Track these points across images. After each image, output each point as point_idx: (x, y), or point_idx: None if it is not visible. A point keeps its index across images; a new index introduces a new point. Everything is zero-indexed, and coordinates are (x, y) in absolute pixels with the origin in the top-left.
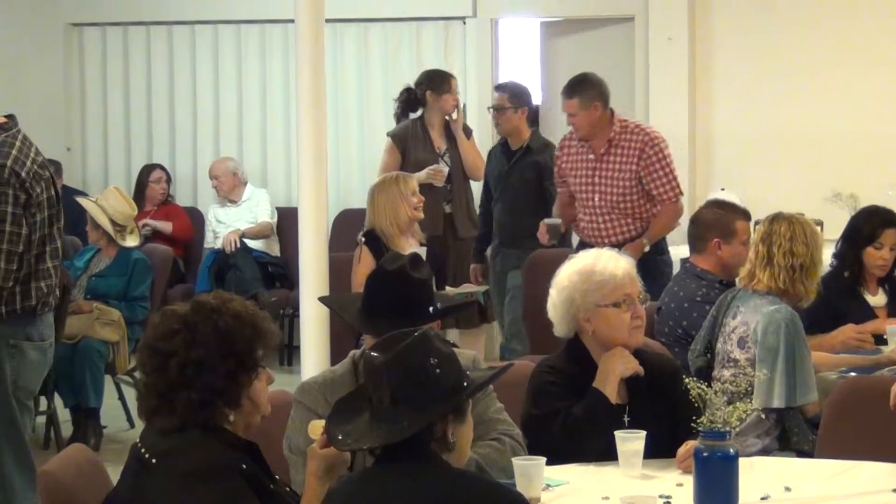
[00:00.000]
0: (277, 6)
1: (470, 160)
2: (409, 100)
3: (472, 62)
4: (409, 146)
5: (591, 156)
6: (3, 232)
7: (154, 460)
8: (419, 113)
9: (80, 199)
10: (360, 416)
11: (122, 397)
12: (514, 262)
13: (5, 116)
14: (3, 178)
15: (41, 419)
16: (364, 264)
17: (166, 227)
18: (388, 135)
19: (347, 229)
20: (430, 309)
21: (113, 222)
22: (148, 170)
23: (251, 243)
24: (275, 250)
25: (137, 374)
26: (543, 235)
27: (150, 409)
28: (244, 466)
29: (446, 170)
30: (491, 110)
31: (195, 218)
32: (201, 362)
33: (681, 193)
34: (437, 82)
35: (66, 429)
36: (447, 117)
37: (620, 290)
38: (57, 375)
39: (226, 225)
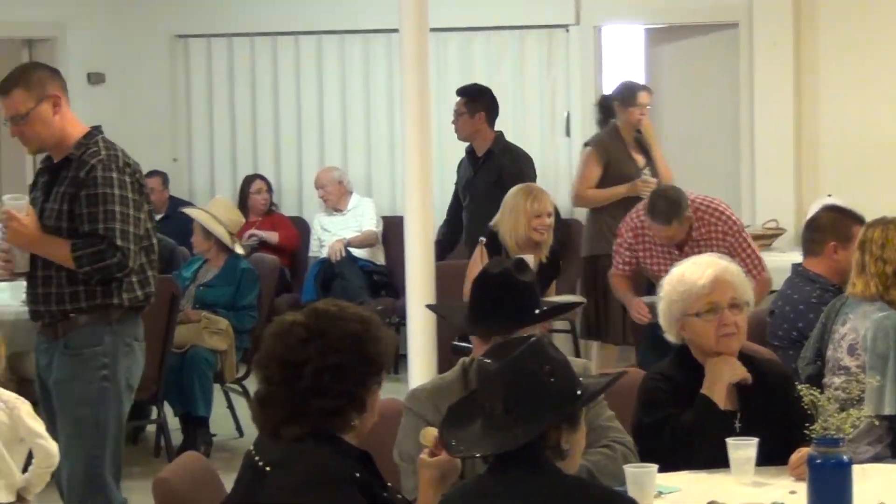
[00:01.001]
0: (381, 16)
1: (664, 172)
2: (604, 107)
3: (576, 70)
4: (612, 158)
5: (676, 252)
6: (128, 216)
7: (268, 468)
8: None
9: (189, 210)
10: (473, 423)
11: (230, 406)
12: None
13: (91, 128)
14: (119, 166)
15: (151, 428)
16: (481, 265)
17: (272, 237)
18: (586, 144)
19: None
20: (536, 311)
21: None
22: (249, 180)
23: (356, 252)
24: (380, 259)
25: (249, 384)
26: (645, 315)
27: (280, 419)
28: (358, 475)
29: (655, 181)
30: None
31: (300, 227)
32: (338, 368)
33: (765, 266)
34: (625, 94)
35: (176, 437)
36: (635, 131)
37: (703, 298)
38: (166, 384)
39: (331, 233)
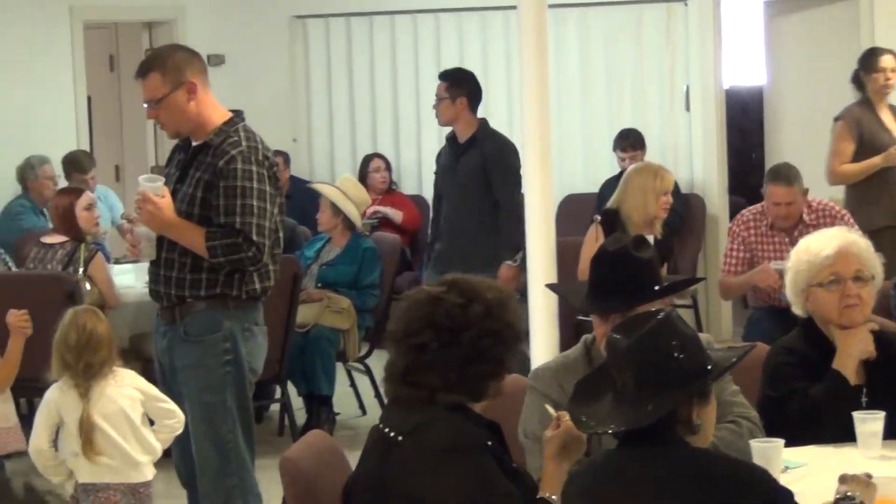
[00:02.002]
0: None
1: None
2: (856, 79)
3: (695, 44)
4: (864, 130)
5: (787, 239)
6: (264, 210)
7: (401, 438)
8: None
9: (320, 186)
10: (603, 398)
11: (353, 384)
12: (462, 264)
13: (233, 114)
14: (259, 159)
15: (275, 407)
16: (598, 243)
17: (397, 215)
18: (836, 119)
19: (572, 215)
20: (656, 287)
21: None
22: (367, 159)
23: None
24: None
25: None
26: (775, 281)
27: (437, 386)
28: (489, 444)
29: None
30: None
31: (420, 206)
32: (496, 333)
33: None
34: (866, 60)
35: (300, 417)
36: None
37: (827, 269)
38: (290, 364)
39: None
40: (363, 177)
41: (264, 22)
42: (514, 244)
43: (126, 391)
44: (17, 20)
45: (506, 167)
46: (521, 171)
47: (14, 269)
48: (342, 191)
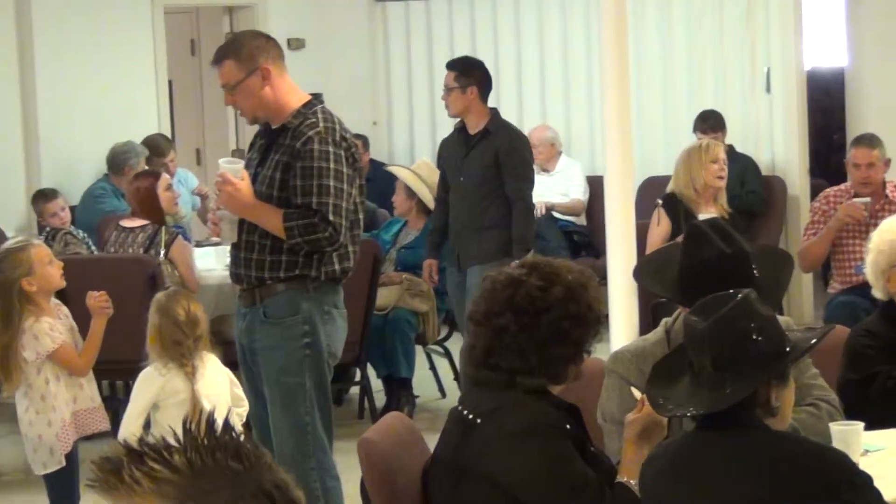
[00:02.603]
0: None
1: None
2: None
3: (776, 25)
4: None
5: (867, 216)
6: (341, 190)
7: (479, 420)
8: None
9: (394, 168)
10: (680, 380)
11: (433, 367)
12: (473, 257)
13: (311, 95)
14: (336, 140)
15: (355, 389)
16: (661, 227)
17: None
18: None
19: (652, 197)
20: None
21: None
22: None
23: (558, 213)
24: (580, 219)
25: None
26: (860, 212)
27: (516, 368)
28: (568, 427)
29: None
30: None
31: None
32: (577, 316)
33: None
34: None
35: (379, 399)
36: None
37: None
38: (369, 346)
39: (537, 194)
40: None
41: (344, 5)
42: (526, 241)
43: (220, 373)
44: (100, 5)
45: (521, 160)
46: (601, 153)
47: (95, 252)
48: (416, 174)
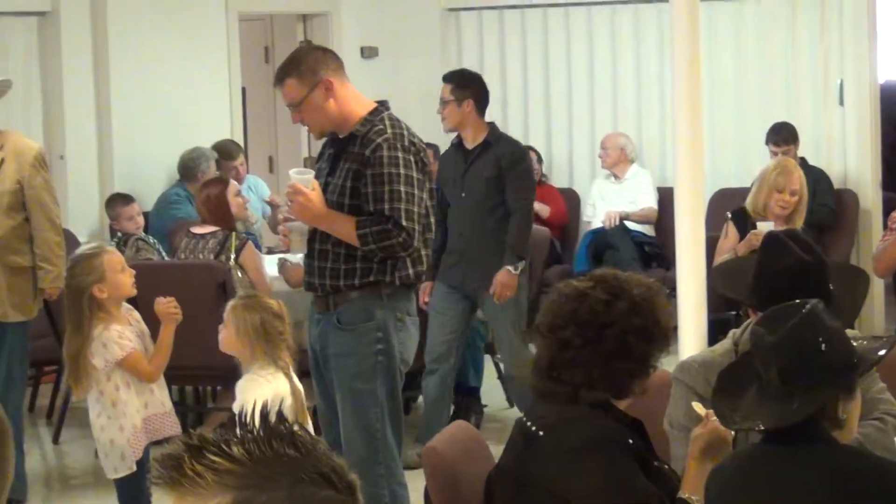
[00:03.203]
0: None
1: None
2: None
3: (849, 36)
4: None
5: None
6: (413, 195)
7: (542, 433)
8: None
9: None
10: (747, 391)
11: (501, 377)
12: (478, 280)
13: (377, 102)
14: (405, 145)
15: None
16: (728, 240)
17: (543, 210)
18: None
19: (723, 209)
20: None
21: None
22: None
23: (630, 223)
24: (651, 230)
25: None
26: None
27: (581, 382)
28: (631, 442)
29: None
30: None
31: (570, 199)
32: (642, 330)
33: None
34: None
35: None
36: None
37: None
38: None
39: (605, 202)
40: None
41: (417, 15)
42: (519, 251)
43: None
44: (175, 12)
45: (523, 172)
46: (671, 163)
47: (166, 258)
48: None
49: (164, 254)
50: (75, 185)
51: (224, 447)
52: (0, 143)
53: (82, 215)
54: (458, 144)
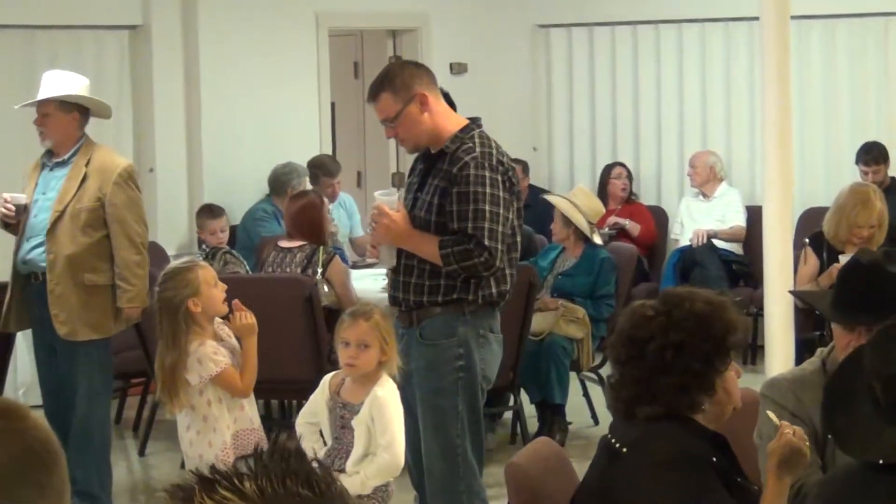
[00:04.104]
0: (742, 4)
1: None
2: None
3: None
4: None
5: None
6: (498, 215)
7: (625, 449)
8: None
9: (551, 197)
10: (859, 409)
11: (586, 394)
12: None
13: (469, 119)
14: (492, 164)
15: (507, 414)
16: (808, 266)
17: (634, 228)
18: None
19: (812, 228)
20: None
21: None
22: (609, 167)
23: (718, 242)
24: (739, 248)
25: (605, 372)
26: None
27: (629, 398)
28: (714, 459)
29: None
30: None
31: (659, 216)
32: (680, 345)
33: None
34: None
35: (532, 424)
36: None
37: None
38: (523, 371)
39: (693, 219)
40: (604, 184)
41: (507, 31)
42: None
43: None
44: (265, 27)
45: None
46: (760, 182)
47: (251, 272)
48: (573, 202)
49: (247, 267)
50: (164, 198)
51: (237, 482)
52: (87, 158)
53: (171, 228)
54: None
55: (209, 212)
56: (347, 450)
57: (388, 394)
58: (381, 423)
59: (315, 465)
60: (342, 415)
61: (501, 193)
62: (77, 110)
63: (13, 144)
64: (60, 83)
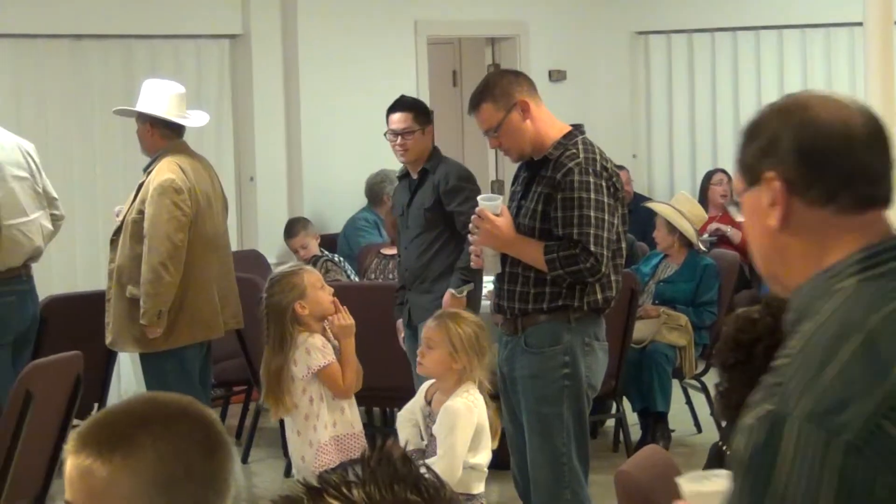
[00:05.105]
0: (844, 9)
1: None
2: None
3: None
4: None
5: None
6: (603, 221)
7: None
8: None
9: (654, 204)
10: None
11: (689, 402)
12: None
13: (572, 126)
14: (597, 170)
15: (610, 422)
16: None
17: (736, 235)
18: None
19: None
20: None
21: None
22: (710, 174)
23: None
24: None
25: (708, 380)
26: None
27: (738, 404)
28: None
29: None
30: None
31: None
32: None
33: None
34: None
35: (635, 433)
36: None
37: None
38: (625, 379)
39: None
40: (704, 191)
41: (606, 38)
42: (471, 273)
43: None
44: (363, 35)
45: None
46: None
47: (354, 278)
48: (676, 208)
49: (352, 275)
50: (265, 207)
51: (345, 490)
52: (152, 169)
53: (271, 237)
54: (405, 175)
55: (293, 225)
56: (431, 456)
57: (460, 405)
58: (442, 432)
59: (424, 469)
60: (427, 423)
61: (606, 199)
62: (150, 122)
63: (116, 153)
64: (142, 93)
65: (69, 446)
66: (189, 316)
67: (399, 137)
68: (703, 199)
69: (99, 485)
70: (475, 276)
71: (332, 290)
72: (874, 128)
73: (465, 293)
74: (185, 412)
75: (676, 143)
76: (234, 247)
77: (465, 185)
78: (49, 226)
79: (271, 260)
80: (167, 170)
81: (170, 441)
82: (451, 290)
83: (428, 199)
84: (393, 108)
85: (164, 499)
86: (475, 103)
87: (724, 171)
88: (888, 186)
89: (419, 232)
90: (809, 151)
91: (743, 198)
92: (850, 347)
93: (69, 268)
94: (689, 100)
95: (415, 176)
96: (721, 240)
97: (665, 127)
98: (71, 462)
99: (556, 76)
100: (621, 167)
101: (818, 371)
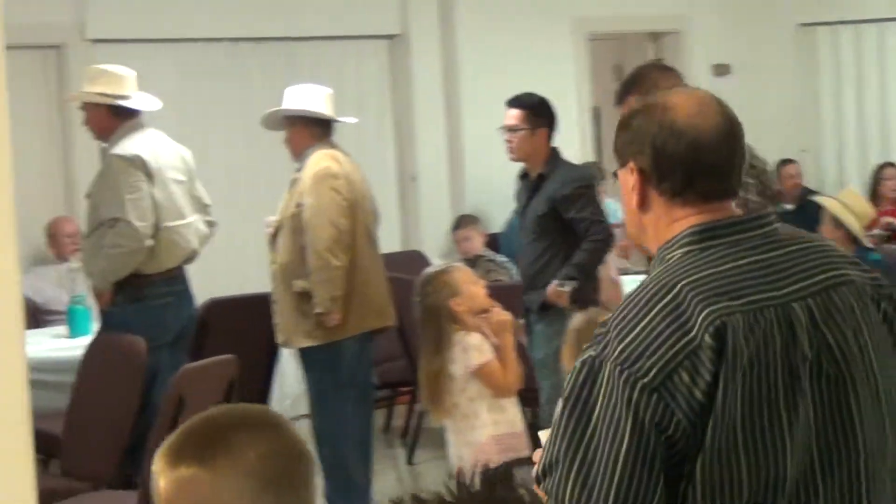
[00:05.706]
0: None
1: None
2: None
3: None
4: None
5: None
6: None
7: None
8: None
9: (821, 199)
10: None
11: None
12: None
13: None
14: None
15: None
16: None
17: None
18: None
19: None
20: None
21: None
22: (880, 168)
23: None
24: None
25: None
26: None
27: None
28: None
29: None
30: None
31: None
32: None
33: None
34: None
35: None
36: None
37: None
38: None
39: None
40: (876, 185)
41: (770, 30)
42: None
43: None
44: (523, 32)
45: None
46: None
47: (517, 278)
48: (843, 203)
49: (515, 275)
50: (427, 206)
51: None
52: (303, 166)
53: (434, 235)
54: (523, 175)
55: (461, 220)
56: None
57: None
58: None
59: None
60: None
61: (751, 198)
62: (300, 122)
63: (277, 156)
64: (288, 98)
65: (158, 466)
66: (359, 303)
67: (507, 133)
68: (875, 192)
69: (205, 491)
70: (583, 275)
71: (484, 283)
72: (725, 129)
73: (566, 287)
74: (267, 418)
75: (845, 136)
76: (397, 247)
77: (583, 191)
78: (205, 229)
79: (434, 259)
80: (321, 160)
81: (265, 441)
82: (555, 282)
83: (542, 207)
84: (509, 103)
85: (271, 497)
86: (622, 95)
87: (895, 165)
88: (733, 181)
89: (533, 238)
90: (661, 153)
91: (618, 176)
92: (659, 305)
93: (235, 272)
94: (857, 92)
95: (534, 177)
96: (894, 234)
97: (833, 120)
98: (166, 478)
99: (720, 70)
100: (788, 161)
101: (633, 324)
